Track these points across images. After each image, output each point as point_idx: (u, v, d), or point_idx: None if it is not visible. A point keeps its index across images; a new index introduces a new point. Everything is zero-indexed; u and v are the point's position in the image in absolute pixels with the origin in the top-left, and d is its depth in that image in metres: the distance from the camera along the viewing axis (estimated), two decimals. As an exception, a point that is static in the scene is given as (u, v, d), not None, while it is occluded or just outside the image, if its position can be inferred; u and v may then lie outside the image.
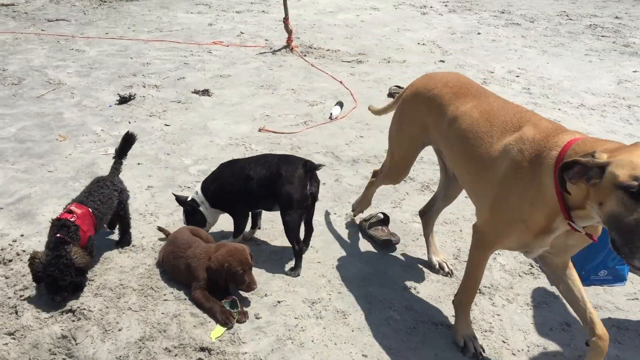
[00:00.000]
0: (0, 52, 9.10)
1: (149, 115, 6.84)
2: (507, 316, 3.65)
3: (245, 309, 3.56)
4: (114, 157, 4.25)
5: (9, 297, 3.60)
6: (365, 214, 4.73)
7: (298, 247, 3.96)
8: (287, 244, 4.15)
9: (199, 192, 4.22)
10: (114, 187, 4.07)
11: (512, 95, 8.05)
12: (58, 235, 3.56)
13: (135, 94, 7.35)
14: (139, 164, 5.51)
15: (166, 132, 6.37)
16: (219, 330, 3.40)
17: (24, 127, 6.31)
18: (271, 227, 4.52)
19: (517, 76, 9.11)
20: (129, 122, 6.58)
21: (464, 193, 4.76)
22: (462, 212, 4.87)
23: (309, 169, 4.00)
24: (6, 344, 3.27)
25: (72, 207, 3.77)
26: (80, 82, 7.88)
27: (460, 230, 4.61)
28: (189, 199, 4.24)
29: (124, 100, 7.19)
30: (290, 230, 3.95)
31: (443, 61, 9.76)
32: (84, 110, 6.89)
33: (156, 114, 6.89)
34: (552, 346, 3.39)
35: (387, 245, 4.31)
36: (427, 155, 5.99)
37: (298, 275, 3.95)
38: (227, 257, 3.58)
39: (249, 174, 4.00)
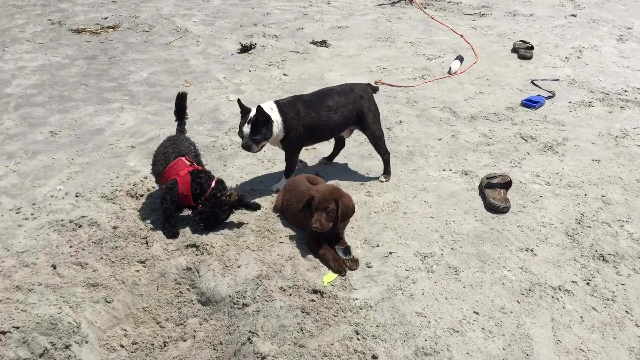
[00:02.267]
0: (133, 0, 9.61)
1: (269, 64, 6.99)
2: (632, 286, 3.44)
3: (357, 257, 3.62)
4: (176, 120, 4.41)
5: (141, 229, 3.90)
6: (494, 170, 4.64)
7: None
8: (397, 198, 4.15)
9: (275, 109, 4.13)
10: (189, 142, 4.25)
11: (652, 54, 7.38)
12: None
13: (255, 43, 7.51)
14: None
15: (284, 81, 6.48)
16: (331, 275, 3.49)
17: (154, 72, 6.68)
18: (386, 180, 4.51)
19: (660, 33, 8.30)
20: (250, 71, 6.77)
21: (589, 158, 4.52)
22: (587, 176, 4.59)
23: (374, 91, 4.53)
24: (137, 270, 3.56)
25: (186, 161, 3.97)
26: (205, 31, 8.18)
27: (585, 195, 4.35)
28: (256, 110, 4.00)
29: (245, 49, 7.38)
30: (381, 141, 4.48)
31: (575, 15, 9.08)
32: (208, 58, 7.17)
33: (275, 63, 7.02)
34: (682, 322, 3.17)
35: (492, 208, 4.17)
36: (552, 115, 5.68)
37: (388, 180, 4.51)
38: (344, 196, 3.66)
39: (329, 105, 4.26)
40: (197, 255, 3.67)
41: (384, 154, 4.52)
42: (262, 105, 4.01)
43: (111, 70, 6.71)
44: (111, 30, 8.14)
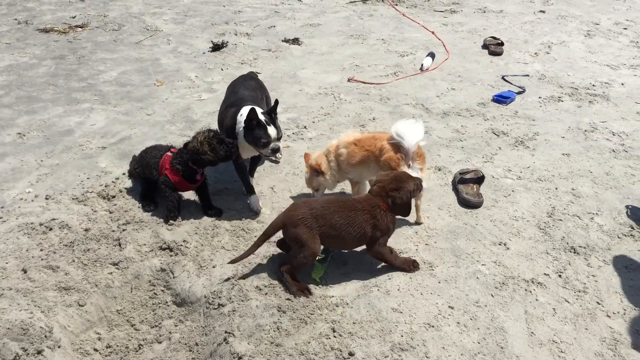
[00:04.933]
0: None
1: (241, 62, 6.94)
2: (603, 278, 3.50)
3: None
4: None
5: (113, 231, 3.84)
6: (467, 165, 4.69)
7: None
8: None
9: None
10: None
11: (618, 49, 7.52)
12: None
13: (227, 42, 7.46)
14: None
15: (257, 79, 6.44)
16: (319, 270, 3.47)
17: (125, 72, 6.59)
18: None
19: (625, 28, 8.45)
20: (222, 69, 6.72)
21: (559, 152, 4.59)
22: (558, 170, 4.66)
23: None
24: (111, 272, 3.51)
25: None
26: (175, 29, 8.09)
27: (556, 188, 4.42)
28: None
29: (217, 47, 7.33)
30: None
31: (543, 11, 9.21)
32: (179, 57, 7.09)
33: (247, 61, 6.98)
34: (651, 312, 3.24)
35: (465, 203, 4.21)
36: (522, 110, 5.76)
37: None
38: None
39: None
40: (171, 256, 3.64)
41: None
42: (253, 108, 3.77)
43: (80, 70, 6.60)
44: (79, 29, 8.00)
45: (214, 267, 3.52)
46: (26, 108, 5.62)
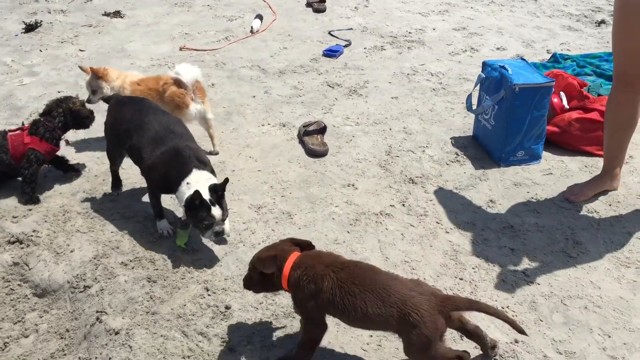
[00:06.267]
0: None
1: (61, 41, 6.53)
2: (438, 201, 3.95)
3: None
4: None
5: (-51, 233, 3.54)
6: (309, 118, 4.92)
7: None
8: (223, 158, 4.25)
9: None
10: None
11: (427, -2, 8.18)
12: None
13: (41, 21, 6.95)
14: (59, 92, 5.32)
15: (82, 57, 6.13)
16: (182, 237, 3.50)
17: None
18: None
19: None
20: (40, 50, 6.27)
21: (388, 96, 4.98)
22: (389, 112, 5.08)
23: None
24: (-44, 277, 3.26)
25: None
26: (-23, 12, 7.34)
27: (390, 129, 4.82)
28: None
29: (30, 27, 6.80)
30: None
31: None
32: (-12, 41, 6.48)
33: (68, 39, 6.59)
34: (480, 221, 3.73)
35: (312, 154, 4.47)
36: (351, 61, 6.11)
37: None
38: None
39: None
40: (22, 248, 3.45)
41: None
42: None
43: None
44: None
45: (72, 251, 3.41)
46: None
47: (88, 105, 4.23)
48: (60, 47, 6.36)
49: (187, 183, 3.27)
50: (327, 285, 2.48)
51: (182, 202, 3.27)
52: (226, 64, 6.02)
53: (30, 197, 3.85)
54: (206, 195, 3.18)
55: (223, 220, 3.29)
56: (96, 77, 4.28)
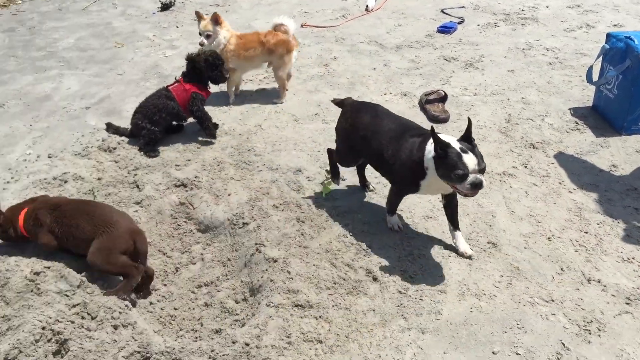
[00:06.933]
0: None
1: (193, 19, 7.09)
2: (560, 164, 4.14)
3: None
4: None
5: (125, 176, 4.13)
6: (428, 88, 5.18)
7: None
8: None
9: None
10: None
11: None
12: None
13: (175, 0, 7.59)
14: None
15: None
16: (326, 189, 3.93)
17: (81, 37, 6.66)
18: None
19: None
20: (177, 27, 6.91)
21: (504, 69, 5.10)
22: (507, 84, 5.27)
23: None
24: (136, 210, 3.83)
25: None
26: (118, -7, 8.12)
27: (508, 99, 5.02)
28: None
29: (165, 7, 7.47)
30: None
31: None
32: (130, 19, 7.20)
33: (199, 17, 7.17)
34: (603, 183, 3.90)
35: (434, 119, 4.74)
36: (465, 37, 6.31)
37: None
38: None
39: None
40: (187, 191, 3.98)
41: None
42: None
43: (35, 40, 6.62)
44: (20, 1, 7.89)
45: (229, 195, 3.91)
46: (-7, 80, 5.68)
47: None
48: (193, 24, 6.95)
49: (431, 143, 3.03)
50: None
51: (430, 156, 3.04)
52: (345, 40, 6.39)
53: (212, 131, 4.57)
54: (456, 145, 2.95)
55: (480, 171, 2.92)
56: (215, 22, 4.86)
